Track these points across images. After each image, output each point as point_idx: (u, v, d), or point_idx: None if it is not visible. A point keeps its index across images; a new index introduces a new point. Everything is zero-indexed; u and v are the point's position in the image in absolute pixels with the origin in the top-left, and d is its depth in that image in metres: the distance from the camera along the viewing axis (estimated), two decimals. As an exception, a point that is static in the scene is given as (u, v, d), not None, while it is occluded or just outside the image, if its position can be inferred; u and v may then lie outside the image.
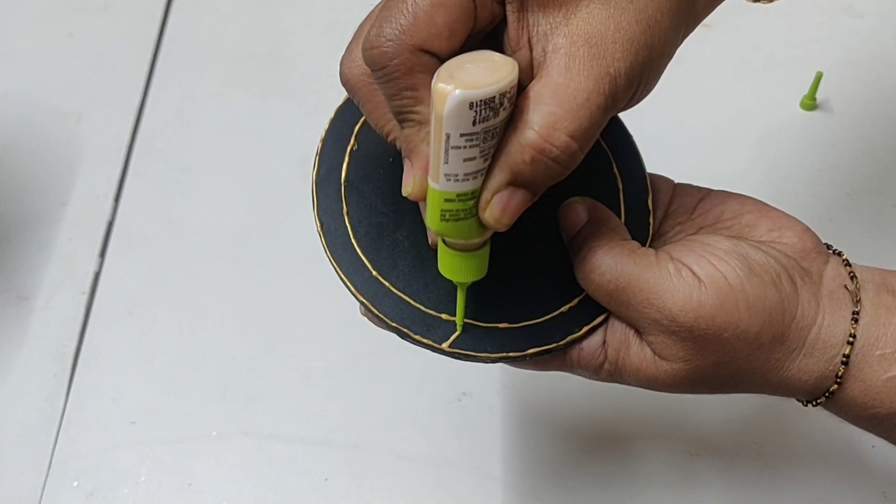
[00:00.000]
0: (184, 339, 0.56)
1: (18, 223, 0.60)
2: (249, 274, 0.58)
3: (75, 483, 0.50)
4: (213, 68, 0.68)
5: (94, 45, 0.69)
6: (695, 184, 0.40)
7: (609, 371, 0.37)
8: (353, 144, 0.39)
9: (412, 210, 0.37)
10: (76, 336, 0.55)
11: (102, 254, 0.59)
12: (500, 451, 0.52)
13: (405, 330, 0.36)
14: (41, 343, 0.55)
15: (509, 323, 0.37)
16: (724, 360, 0.34)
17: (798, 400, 0.37)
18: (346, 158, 0.39)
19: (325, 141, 0.39)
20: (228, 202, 0.61)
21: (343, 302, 0.56)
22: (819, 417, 0.53)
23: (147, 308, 0.57)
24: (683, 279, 0.34)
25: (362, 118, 0.39)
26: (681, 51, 0.76)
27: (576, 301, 0.37)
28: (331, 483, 0.51)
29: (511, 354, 0.36)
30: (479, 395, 0.54)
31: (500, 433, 0.52)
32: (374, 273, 0.37)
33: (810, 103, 0.66)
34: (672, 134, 0.64)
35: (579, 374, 0.38)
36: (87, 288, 0.57)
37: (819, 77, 0.64)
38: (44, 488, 0.50)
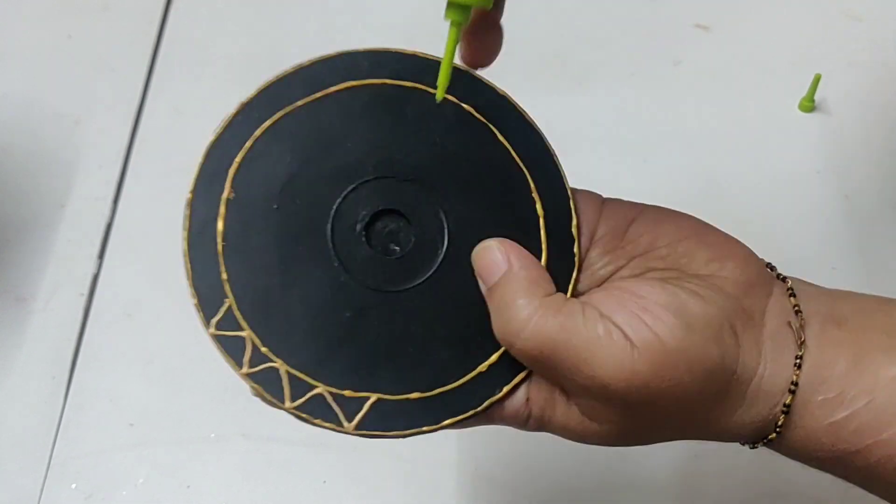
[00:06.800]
0: (182, 341, 0.56)
1: (17, 225, 0.60)
2: (248, 276, 0.58)
3: (74, 485, 0.50)
4: (211, 71, 0.68)
5: (92, 47, 0.69)
6: (628, 200, 0.37)
7: (534, 426, 0.35)
8: (230, 192, 0.34)
9: (305, 267, 0.34)
10: (75, 338, 0.55)
11: (101, 256, 0.59)
12: (500, 453, 0.52)
13: (303, 415, 0.33)
14: (40, 345, 0.55)
15: (421, 392, 0.33)
16: (658, 422, 0.33)
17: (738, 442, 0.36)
18: (222, 210, 0.34)
19: (195, 192, 0.34)
20: (227, 204, 0.61)
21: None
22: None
23: (146, 310, 0.57)
24: (615, 343, 0.31)
25: (237, 158, 0.34)
26: (680, 53, 0.77)
27: (495, 357, 0.34)
28: (329, 485, 0.51)
29: (424, 429, 0.34)
30: (477, 397, 0.54)
31: (499, 435, 0.52)
32: (262, 350, 0.33)
33: (809, 105, 0.66)
34: (670, 135, 0.64)
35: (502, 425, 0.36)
36: (85, 290, 0.57)
37: (817, 79, 0.65)
38: (42, 490, 0.50)
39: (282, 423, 0.53)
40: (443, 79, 0.34)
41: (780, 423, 0.32)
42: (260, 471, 0.51)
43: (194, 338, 0.55)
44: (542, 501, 0.50)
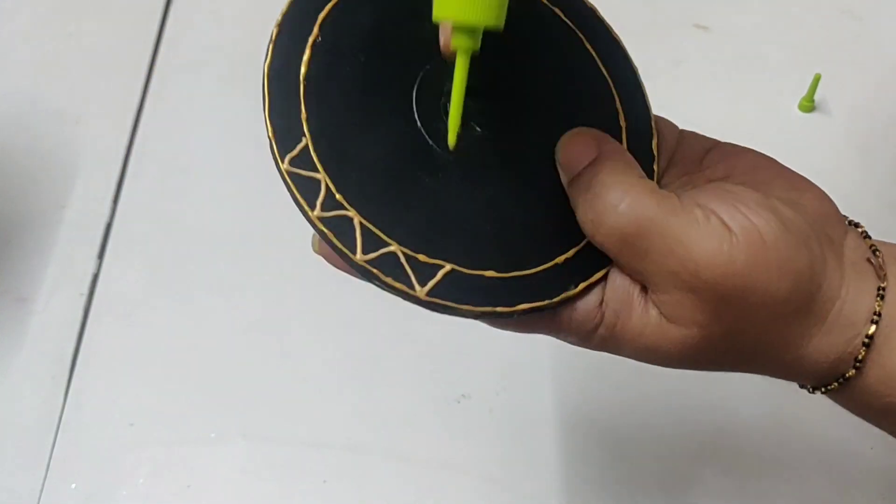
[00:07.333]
0: (182, 341, 0.56)
1: (17, 225, 0.60)
2: (248, 276, 0.58)
3: (73, 485, 0.50)
4: (211, 70, 0.68)
5: (93, 47, 0.69)
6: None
7: (603, 337, 0.32)
8: (317, 36, 0.33)
9: (387, 123, 0.32)
10: (74, 338, 0.55)
11: (101, 255, 0.59)
12: (499, 453, 0.52)
13: (374, 270, 0.30)
14: (39, 345, 0.55)
15: (496, 271, 0.31)
16: (741, 327, 0.31)
17: (803, 386, 0.34)
18: (307, 52, 0.32)
19: (281, 27, 0.33)
20: (227, 204, 0.61)
21: (342, 303, 0.56)
22: (818, 420, 0.53)
23: (146, 310, 0.57)
24: (713, 228, 0.30)
25: (329, 4, 0.33)
26: (679, 53, 0.77)
27: (572, 252, 0.32)
28: (330, 485, 0.51)
29: (498, 309, 0.31)
30: (478, 397, 0.54)
31: (498, 435, 0.52)
32: (337, 196, 0.31)
33: (808, 105, 0.66)
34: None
35: (565, 339, 0.33)
36: (85, 290, 0.57)
37: (817, 79, 0.65)
38: (42, 490, 0.50)
39: (282, 423, 0.53)
40: (454, 120, 0.32)
41: (860, 357, 0.31)
42: (260, 471, 0.51)
43: (194, 338, 0.56)
44: (541, 502, 0.50)
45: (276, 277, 0.58)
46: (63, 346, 0.55)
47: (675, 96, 0.67)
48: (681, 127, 0.38)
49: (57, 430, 0.52)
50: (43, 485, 0.50)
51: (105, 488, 0.50)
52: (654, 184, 0.32)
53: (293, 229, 0.64)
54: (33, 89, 0.67)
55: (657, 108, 0.66)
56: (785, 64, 0.69)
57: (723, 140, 0.33)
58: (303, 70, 0.32)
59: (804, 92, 0.66)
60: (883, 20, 0.71)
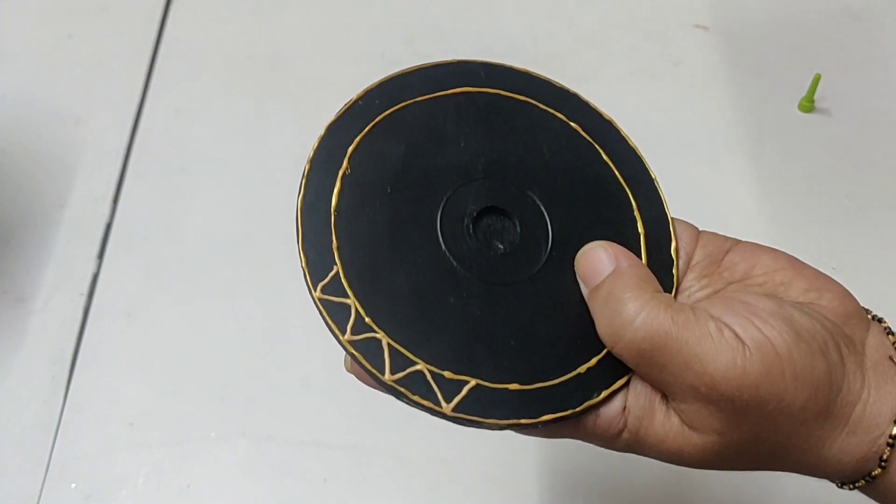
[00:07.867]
0: (182, 341, 0.56)
1: (17, 225, 0.60)
2: (247, 276, 0.58)
3: (73, 485, 0.50)
4: (211, 71, 0.68)
5: (92, 47, 0.69)
6: (719, 233, 0.37)
7: (627, 441, 0.33)
8: (346, 168, 0.35)
9: (413, 248, 0.34)
10: (74, 338, 0.55)
11: (101, 256, 0.59)
12: (499, 453, 0.52)
13: (401, 389, 0.32)
14: (39, 345, 0.55)
15: (520, 384, 0.33)
16: (762, 434, 0.31)
17: (832, 481, 0.34)
18: (338, 184, 0.35)
19: (312, 162, 0.35)
20: (227, 205, 0.61)
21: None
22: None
23: (145, 310, 0.57)
24: (726, 342, 0.30)
25: (357, 138, 0.36)
26: (678, 53, 0.77)
27: (594, 361, 0.33)
28: (329, 485, 0.51)
29: (522, 421, 0.33)
30: (477, 397, 0.54)
31: (498, 435, 0.52)
32: (366, 320, 0.33)
33: (808, 105, 0.66)
34: (670, 136, 0.64)
35: (591, 443, 0.34)
36: (85, 290, 0.57)
37: (817, 79, 0.65)
38: (42, 490, 0.50)
39: (282, 422, 0.53)
40: None
41: (885, 456, 0.31)
42: (260, 471, 0.51)
43: (194, 338, 0.56)
44: (541, 500, 0.50)
45: (276, 277, 0.58)
46: (63, 346, 0.55)
47: (675, 96, 0.67)
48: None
49: (57, 429, 0.52)
50: (43, 484, 0.50)
51: (105, 488, 0.50)
52: (669, 297, 0.32)
53: (291, 231, 0.64)
54: (33, 90, 0.67)
55: (657, 109, 0.66)
56: (785, 64, 0.69)
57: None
58: (333, 202, 0.35)
59: (804, 92, 0.66)
60: (882, 20, 0.71)
